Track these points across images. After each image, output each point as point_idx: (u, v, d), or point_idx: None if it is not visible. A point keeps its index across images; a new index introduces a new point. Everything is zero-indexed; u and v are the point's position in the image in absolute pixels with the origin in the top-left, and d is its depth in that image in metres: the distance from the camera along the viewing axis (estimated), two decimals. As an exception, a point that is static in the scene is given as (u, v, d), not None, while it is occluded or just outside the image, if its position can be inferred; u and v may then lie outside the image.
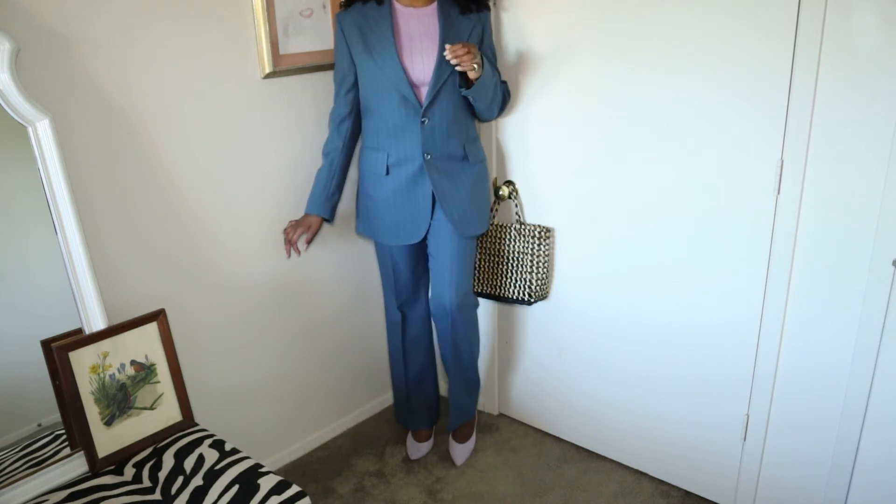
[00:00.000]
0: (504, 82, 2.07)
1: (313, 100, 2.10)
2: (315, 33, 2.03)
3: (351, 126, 2.01)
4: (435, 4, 1.90)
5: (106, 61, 1.63)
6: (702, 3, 1.71)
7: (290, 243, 2.06)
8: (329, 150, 2.03)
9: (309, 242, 2.16)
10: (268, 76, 1.95)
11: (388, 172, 1.95)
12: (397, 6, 1.89)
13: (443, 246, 2.02)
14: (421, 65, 1.86)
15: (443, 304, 2.07)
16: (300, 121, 2.08)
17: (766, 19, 1.63)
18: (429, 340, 2.29)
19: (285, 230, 2.06)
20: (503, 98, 2.05)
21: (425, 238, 2.05)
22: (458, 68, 1.78)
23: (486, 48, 1.98)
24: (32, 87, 1.50)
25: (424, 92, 1.88)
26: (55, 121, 1.51)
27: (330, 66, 2.10)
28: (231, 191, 1.95)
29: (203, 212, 1.90)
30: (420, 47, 1.87)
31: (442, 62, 1.85)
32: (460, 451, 2.28)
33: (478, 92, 1.87)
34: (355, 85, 1.96)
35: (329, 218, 2.06)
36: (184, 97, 1.79)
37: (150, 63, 1.71)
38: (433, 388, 2.35)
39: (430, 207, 1.97)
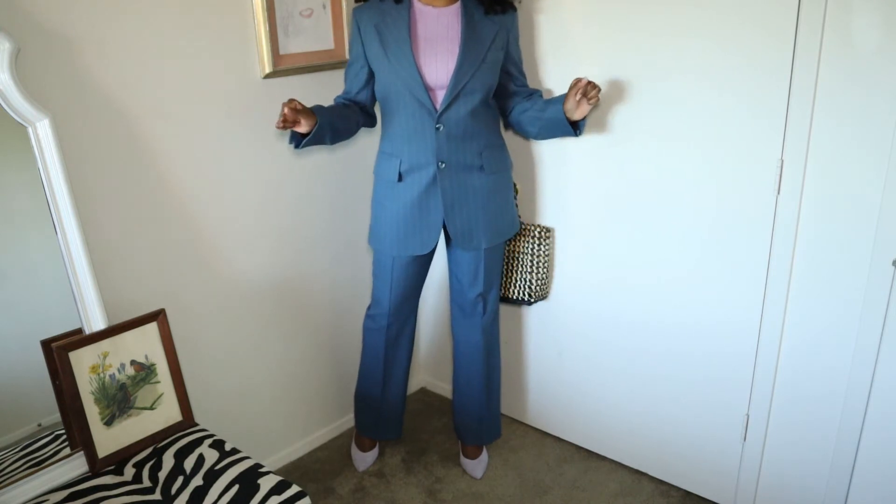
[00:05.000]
0: (536, 91, 1.99)
1: (313, 100, 2.09)
2: (315, 33, 2.03)
3: (365, 102, 1.95)
4: (458, 4, 1.83)
5: (106, 61, 1.63)
6: (702, 4, 1.72)
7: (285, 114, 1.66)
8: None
9: (293, 115, 1.68)
10: (268, 76, 1.95)
11: (400, 179, 1.89)
12: (417, 5, 1.82)
13: (464, 258, 2.01)
14: (435, 67, 1.80)
15: (474, 325, 2.09)
16: (300, 121, 2.08)
17: (766, 19, 1.63)
18: (410, 354, 2.22)
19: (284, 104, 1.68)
20: None
21: (430, 254, 2.01)
22: (589, 103, 1.74)
23: (513, 51, 1.92)
24: (32, 87, 1.50)
25: (440, 96, 1.82)
26: (55, 121, 1.51)
27: (330, 66, 2.10)
28: (231, 191, 1.95)
29: (203, 212, 1.90)
30: (437, 49, 1.81)
31: (462, 66, 1.79)
32: (477, 465, 2.24)
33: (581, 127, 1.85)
34: (367, 85, 1.92)
35: (313, 126, 1.72)
36: (184, 97, 1.79)
37: (150, 63, 1.71)
38: (404, 396, 2.28)
39: (441, 219, 1.91)
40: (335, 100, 1.98)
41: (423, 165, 1.87)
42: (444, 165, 1.86)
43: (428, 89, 1.81)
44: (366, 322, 2.15)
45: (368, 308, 2.14)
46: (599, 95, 1.76)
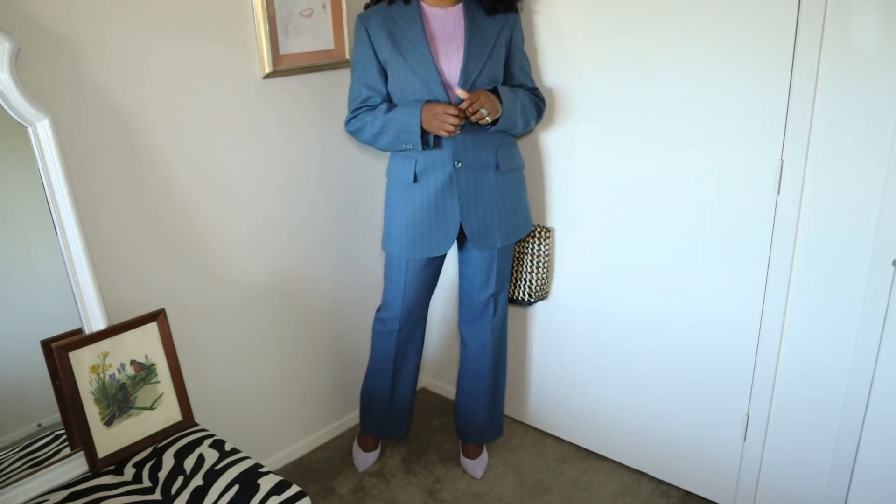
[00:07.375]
0: (534, 90, 1.98)
1: (313, 100, 2.10)
2: (315, 33, 2.03)
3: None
4: (461, 4, 1.85)
5: (106, 61, 1.63)
6: (702, 4, 1.72)
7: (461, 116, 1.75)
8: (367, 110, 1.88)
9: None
10: (268, 76, 1.95)
11: (415, 180, 1.88)
12: (424, 6, 1.83)
13: (477, 259, 2.00)
14: (448, 65, 1.81)
15: (484, 327, 2.08)
16: (300, 121, 2.08)
17: (766, 19, 1.63)
18: (420, 356, 2.22)
19: (453, 115, 1.73)
20: (537, 113, 1.96)
21: (443, 257, 2.00)
22: (473, 119, 1.74)
23: (516, 52, 1.92)
24: (32, 87, 1.50)
25: (454, 95, 1.82)
26: (55, 121, 1.51)
27: (330, 66, 2.10)
28: (231, 191, 1.95)
29: (203, 212, 1.90)
30: (447, 48, 1.82)
31: (468, 63, 1.80)
32: (478, 465, 2.24)
33: (503, 127, 1.82)
34: (385, 96, 1.88)
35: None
36: (184, 97, 1.79)
37: (151, 63, 1.71)
38: (413, 397, 2.28)
39: (458, 219, 1.90)
40: (375, 112, 1.86)
41: (439, 165, 1.86)
42: (460, 164, 1.86)
43: (446, 87, 1.81)
44: (375, 325, 2.14)
45: (378, 311, 2.13)
46: (489, 118, 1.75)
